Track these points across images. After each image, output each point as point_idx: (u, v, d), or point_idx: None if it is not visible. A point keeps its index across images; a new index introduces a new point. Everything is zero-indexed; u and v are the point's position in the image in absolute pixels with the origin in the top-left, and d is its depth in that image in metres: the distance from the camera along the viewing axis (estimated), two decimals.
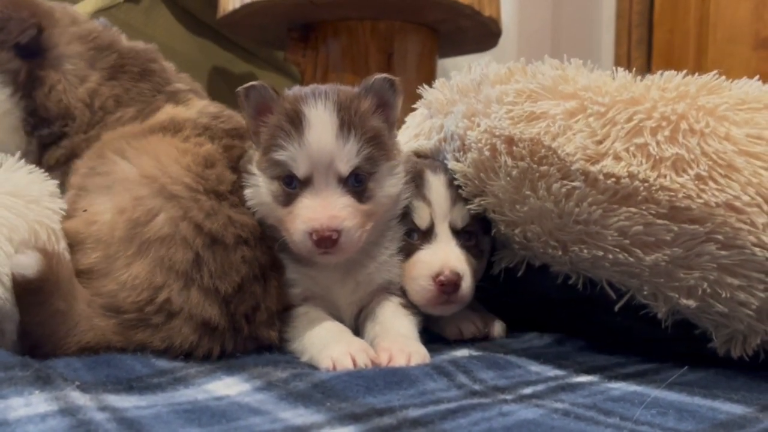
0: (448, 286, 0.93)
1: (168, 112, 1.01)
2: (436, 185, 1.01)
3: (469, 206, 0.99)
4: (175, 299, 0.83)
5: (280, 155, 0.87)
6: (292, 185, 0.88)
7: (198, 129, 0.97)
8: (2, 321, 0.79)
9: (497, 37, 2.14)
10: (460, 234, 1.00)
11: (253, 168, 0.92)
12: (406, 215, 0.99)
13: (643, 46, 3.21)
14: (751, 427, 0.65)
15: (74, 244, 0.86)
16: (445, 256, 0.96)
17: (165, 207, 0.85)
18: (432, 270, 0.94)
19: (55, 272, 0.80)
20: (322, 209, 0.86)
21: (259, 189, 0.90)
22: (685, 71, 0.88)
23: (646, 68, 3.19)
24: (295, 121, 0.87)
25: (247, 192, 0.92)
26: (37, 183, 0.90)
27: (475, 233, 1.02)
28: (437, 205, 1.00)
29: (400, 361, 0.83)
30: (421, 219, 0.99)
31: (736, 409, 0.71)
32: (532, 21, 3.00)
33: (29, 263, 0.78)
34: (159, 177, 0.87)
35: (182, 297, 0.83)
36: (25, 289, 0.78)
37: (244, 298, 0.87)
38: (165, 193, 0.86)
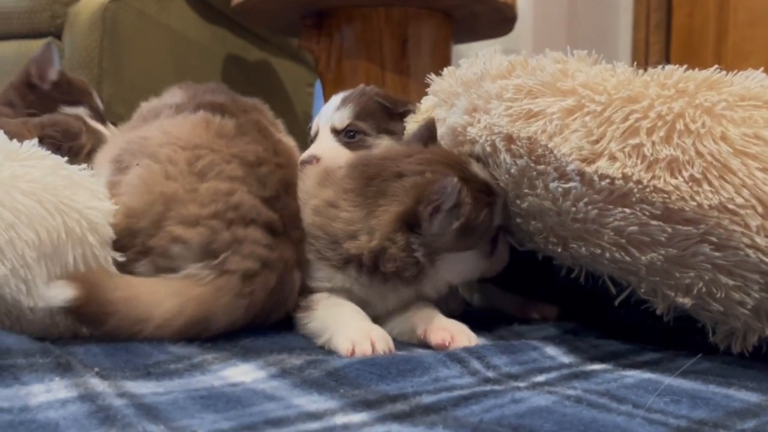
0: (305, 164, 1.11)
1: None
2: (331, 101, 1.25)
3: None
4: (244, 200, 0.92)
5: None
6: None
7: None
8: (21, 312, 0.81)
9: (513, 22, 2.12)
10: (341, 132, 1.21)
11: None
12: None
13: (661, 31, 3.17)
14: (766, 416, 0.65)
15: (145, 185, 0.94)
16: (313, 147, 1.20)
17: (205, 153, 0.96)
18: (300, 159, 1.12)
19: (94, 288, 0.81)
20: None
21: None
22: (685, 66, 0.86)
23: (665, 53, 3.15)
24: None
25: None
26: (54, 173, 0.90)
27: (362, 131, 1.21)
28: (323, 113, 1.25)
29: (462, 342, 0.86)
30: (313, 128, 1.26)
31: (752, 397, 0.71)
32: (548, 5, 2.97)
33: (58, 297, 0.80)
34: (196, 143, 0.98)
35: (249, 199, 0.93)
36: (74, 312, 0.81)
37: (285, 203, 0.98)
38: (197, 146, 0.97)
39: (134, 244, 0.91)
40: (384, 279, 0.92)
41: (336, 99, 1.26)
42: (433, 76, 1.11)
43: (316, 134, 1.26)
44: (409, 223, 0.89)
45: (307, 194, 0.99)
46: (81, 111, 1.46)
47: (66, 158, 0.95)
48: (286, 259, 0.94)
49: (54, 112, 1.41)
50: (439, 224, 0.89)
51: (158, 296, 0.85)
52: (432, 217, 0.88)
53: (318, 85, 2.33)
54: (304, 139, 1.39)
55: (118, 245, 0.91)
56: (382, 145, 1.20)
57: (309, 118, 2.65)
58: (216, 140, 0.98)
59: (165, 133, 0.99)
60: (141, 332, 0.83)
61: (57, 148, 1.18)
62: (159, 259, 0.90)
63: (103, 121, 1.50)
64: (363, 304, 0.94)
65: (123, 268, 0.91)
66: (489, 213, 0.94)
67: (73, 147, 1.21)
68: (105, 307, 0.81)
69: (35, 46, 1.83)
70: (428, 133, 1.03)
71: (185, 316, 0.85)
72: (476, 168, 0.96)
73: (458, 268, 0.96)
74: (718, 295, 0.81)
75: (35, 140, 0.96)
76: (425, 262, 0.90)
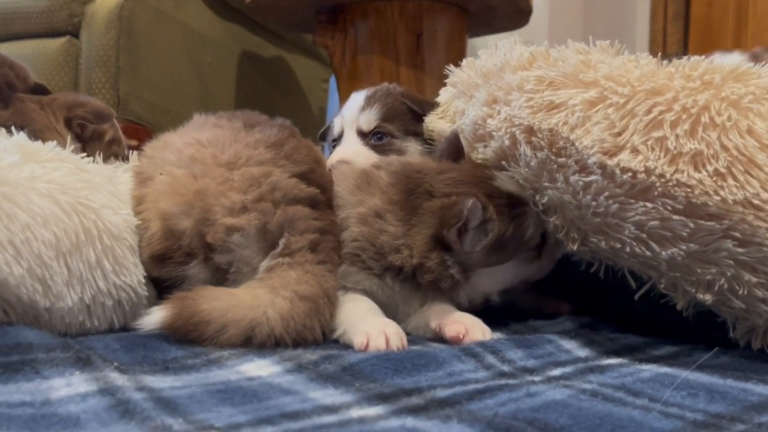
0: (334, 168, 1.08)
1: None
2: (353, 100, 1.22)
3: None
4: (282, 180, 0.95)
5: None
6: None
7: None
8: (38, 312, 0.82)
9: (528, 15, 2.10)
10: (368, 135, 1.18)
11: None
12: None
13: (679, 21, 3.13)
14: None
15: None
16: (340, 150, 1.17)
17: (227, 145, 1.00)
18: (328, 163, 1.10)
19: (186, 303, 0.82)
20: None
21: None
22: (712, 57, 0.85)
23: (683, 44, 3.10)
24: None
25: None
26: (73, 174, 0.91)
27: (389, 134, 1.18)
28: (347, 114, 1.21)
29: (476, 336, 0.87)
30: (336, 128, 1.22)
31: None
32: None
33: (153, 320, 0.81)
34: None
35: (286, 178, 0.95)
36: (169, 330, 0.82)
37: (320, 173, 1.02)
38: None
39: (180, 246, 0.91)
40: (417, 287, 0.94)
41: (359, 98, 1.23)
42: (451, 67, 1.10)
43: (340, 135, 1.23)
44: (441, 243, 0.90)
45: (347, 202, 0.98)
46: None
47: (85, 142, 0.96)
48: (333, 220, 0.98)
49: None
50: (469, 243, 0.90)
51: (262, 297, 0.85)
52: (460, 237, 0.89)
53: (333, 80, 2.33)
54: (317, 133, 1.38)
55: (161, 250, 0.92)
56: (410, 147, 1.19)
57: (324, 113, 2.65)
58: (235, 133, 1.01)
59: (186, 137, 1.02)
60: (260, 333, 0.82)
61: (82, 130, 1.18)
62: (218, 255, 0.91)
63: None
64: (383, 306, 0.95)
65: (171, 270, 0.92)
66: (519, 224, 0.94)
67: (97, 131, 1.20)
68: (197, 317, 0.81)
69: (53, 45, 1.86)
70: (454, 147, 1.02)
71: (303, 302, 0.85)
72: (502, 181, 0.95)
73: (495, 280, 0.98)
74: (740, 292, 0.80)
75: (54, 143, 0.96)
76: (460, 278, 0.92)
